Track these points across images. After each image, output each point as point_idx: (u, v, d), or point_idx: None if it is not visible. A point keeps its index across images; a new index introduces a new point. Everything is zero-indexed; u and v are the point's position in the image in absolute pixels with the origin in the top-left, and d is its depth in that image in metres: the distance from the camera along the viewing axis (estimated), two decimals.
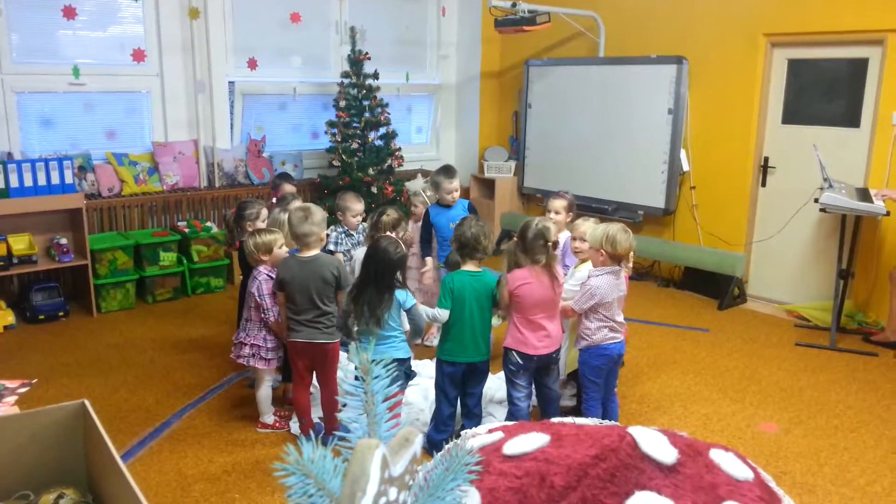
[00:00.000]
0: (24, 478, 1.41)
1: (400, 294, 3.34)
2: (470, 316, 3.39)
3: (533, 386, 3.57)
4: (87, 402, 1.45)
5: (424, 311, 3.47)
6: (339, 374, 3.76)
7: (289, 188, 4.87)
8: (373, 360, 0.92)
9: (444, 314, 3.40)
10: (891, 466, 3.55)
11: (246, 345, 3.69)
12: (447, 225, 4.57)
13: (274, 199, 4.67)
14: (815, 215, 5.52)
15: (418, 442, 0.79)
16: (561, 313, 3.54)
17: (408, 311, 3.38)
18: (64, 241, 5.37)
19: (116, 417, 3.88)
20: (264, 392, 3.79)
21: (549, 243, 3.36)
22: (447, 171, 4.76)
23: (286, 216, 3.90)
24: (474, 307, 3.39)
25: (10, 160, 5.19)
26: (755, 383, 4.47)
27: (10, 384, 1.90)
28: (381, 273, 3.31)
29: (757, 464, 1.83)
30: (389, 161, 6.70)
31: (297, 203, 4.42)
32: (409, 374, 3.51)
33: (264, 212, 4.20)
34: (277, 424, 3.81)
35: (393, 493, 0.74)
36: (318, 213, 3.49)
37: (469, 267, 3.44)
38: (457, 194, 4.71)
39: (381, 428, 0.85)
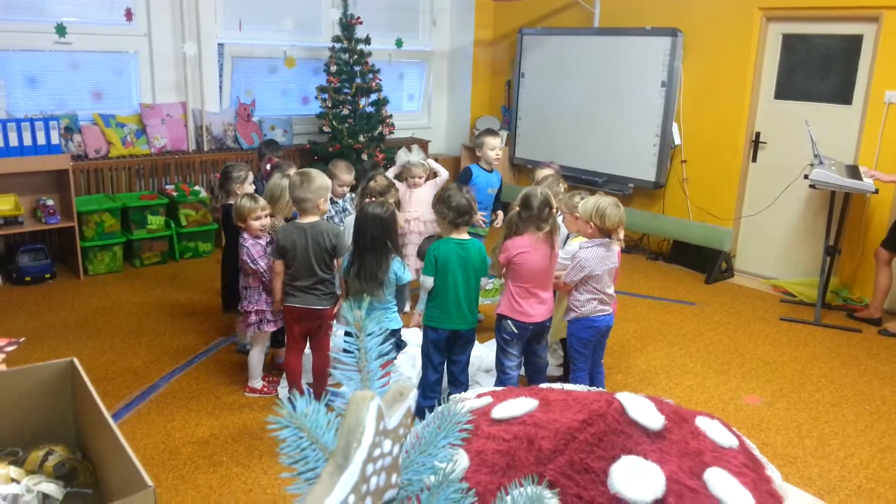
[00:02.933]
0: (12, 435, 1.41)
1: (397, 266, 3.34)
2: (454, 284, 3.39)
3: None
4: (75, 361, 1.44)
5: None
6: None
7: (275, 160, 4.83)
8: (366, 318, 0.92)
9: (427, 281, 3.40)
10: (869, 440, 3.61)
11: (251, 312, 3.68)
12: (486, 189, 4.61)
13: (269, 167, 4.63)
14: (805, 191, 5.54)
15: (412, 396, 0.79)
16: (554, 285, 3.55)
17: (401, 286, 3.38)
18: (50, 202, 5.31)
19: (104, 380, 3.88)
20: (256, 356, 3.80)
21: (554, 210, 3.38)
22: (490, 131, 4.91)
23: (283, 182, 3.87)
24: (459, 275, 3.39)
25: None
26: (740, 356, 4.52)
27: None
28: (376, 237, 3.30)
29: None
30: (380, 128, 6.65)
31: (293, 170, 4.38)
32: (399, 345, 3.51)
33: (251, 175, 4.16)
34: (265, 389, 3.82)
35: (387, 445, 0.74)
36: (318, 180, 3.43)
37: (457, 235, 3.44)
38: (500, 154, 4.79)
39: (373, 385, 0.86)
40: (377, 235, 3.31)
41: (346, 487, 0.67)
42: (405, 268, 3.39)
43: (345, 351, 0.92)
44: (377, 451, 0.72)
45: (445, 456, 0.88)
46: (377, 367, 0.88)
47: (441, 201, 3.45)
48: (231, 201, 3.97)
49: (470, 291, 3.44)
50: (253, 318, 3.68)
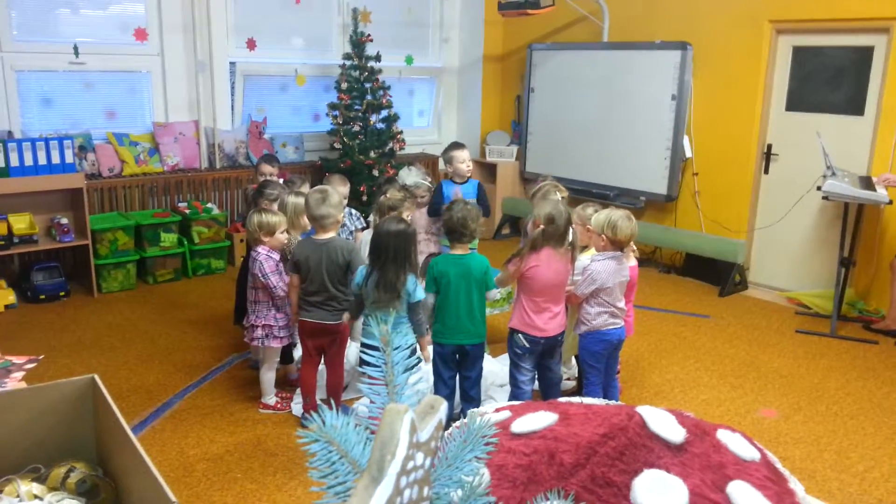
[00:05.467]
0: (34, 452, 1.42)
1: (410, 282, 3.34)
2: (455, 299, 3.38)
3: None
4: (96, 377, 1.45)
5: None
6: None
7: (267, 168, 4.77)
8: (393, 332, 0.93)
9: (428, 298, 3.40)
10: (889, 453, 3.57)
11: (258, 327, 3.68)
12: None
13: (282, 181, 4.64)
14: (818, 203, 5.52)
15: (443, 409, 0.79)
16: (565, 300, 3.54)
17: (413, 304, 3.36)
18: (65, 220, 5.35)
19: (118, 397, 3.89)
20: (267, 373, 3.80)
21: (572, 225, 3.39)
22: (456, 144, 4.94)
23: (291, 199, 3.90)
24: (460, 290, 3.38)
25: (11, 139, 5.16)
26: (755, 370, 4.49)
27: (17, 360, 1.90)
28: (398, 251, 3.29)
29: None
30: (391, 144, 6.68)
31: (305, 187, 4.40)
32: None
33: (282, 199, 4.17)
34: (279, 405, 3.82)
35: (420, 457, 0.74)
36: (336, 196, 3.49)
37: (456, 250, 3.44)
38: (471, 165, 4.82)
39: (400, 398, 0.85)
40: (399, 250, 3.30)
41: (381, 500, 0.67)
42: (418, 285, 3.38)
43: (363, 363, 0.92)
44: (410, 464, 0.72)
45: (472, 470, 0.88)
46: (404, 380, 0.88)
47: (441, 219, 3.48)
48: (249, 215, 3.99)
49: (472, 306, 3.42)
50: (259, 332, 3.69)
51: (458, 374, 3.57)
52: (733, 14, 5.92)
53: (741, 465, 1.58)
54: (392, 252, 3.27)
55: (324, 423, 0.77)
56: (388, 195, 4.16)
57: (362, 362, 3.50)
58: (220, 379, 4.16)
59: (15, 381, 1.79)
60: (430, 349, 3.52)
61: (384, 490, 0.68)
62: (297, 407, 3.80)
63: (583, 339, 3.54)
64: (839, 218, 5.19)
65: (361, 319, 3.61)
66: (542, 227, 3.34)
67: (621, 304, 3.51)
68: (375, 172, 6.41)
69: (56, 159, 5.18)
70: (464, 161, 4.77)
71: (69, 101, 5.78)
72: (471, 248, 3.52)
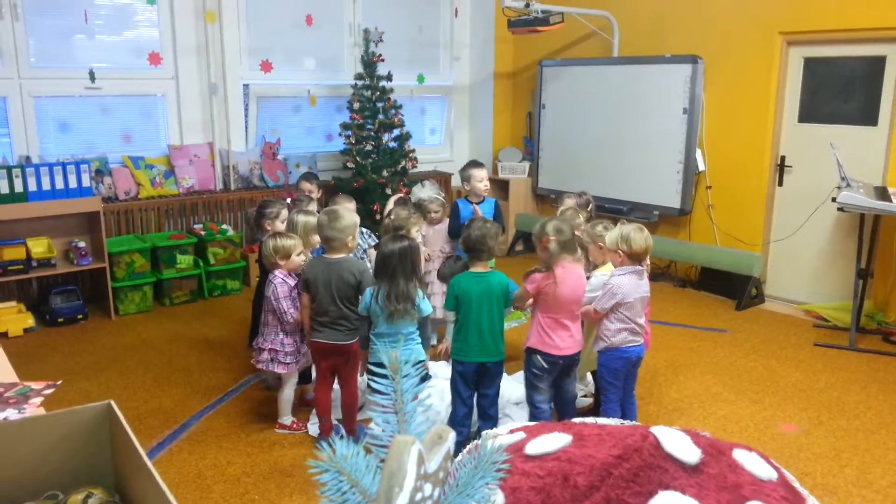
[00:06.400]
0: (52, 478, 1.43)
1: (417, 297, 3.35)
2: (478, 317, 3.39)
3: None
4: (112, 403, 1.46)
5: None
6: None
7: (306, 185, 4.90)
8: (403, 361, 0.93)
9: (449, 315, 3.42)
10: None
11: (264, 350, 3.70)
12: None
13: (288, 199, 4.69)
14: (833, 214, 5.48)
15: (451, 439, 0.80)
16: (583, 316, 3.52)
17: (421, 319, 3.39)
18: (82, 244, 5.41)
19: (135, 419, 3.91)
20: (286, 394, 3.80)
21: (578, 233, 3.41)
22: (474, 162, 4.91)
23: (300, 218, 3.93)
24: (482, 308, 3.39)
25: (29, 164, 5.24)
26: (774, 384, 4.44)
27: (35, 385, 1.92)
28: (403, 262, 3.31)
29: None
30: (403, 162, 6.71)
31: (313, 206, 4.44)
32: (424, 377, 3.49)
33: (284, 212, 4.21)
34: (295, 426, 3.82)
35: (428, 489, 0.75)
36: (346, 219, 3.49)
37: (476, 268, 3.45)
38: (488, 184, 4.80)
39: (410, 426, 0.86)
40: (405, 262, 3.31)
41: None
42: (425, 299, 3.40)
43: (371, 388, 0.92)
44: (418, 496, 0.72)
45: (483, 497, 0.88)
46: (414, 408, 0.89)
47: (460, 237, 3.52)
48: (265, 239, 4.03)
49: (494, 324, 3.43)
50: (265, 355, 3.70)
51: (475, 393, 3.57)
52: (744, 27, 5.92)
53: (758, 485, 1.57)
54: (399, 266, 3.29)
55: (334, 452, 0.78)
56: (391, 217, 4.18)
57: (372, 389, 3.53)
58: (236, 400, 4.18)
59: (33, 407, 1.80)
60: (443, 346, 3.53)
61: None
62: (313, 427, 3.80)
63: (602, 356, 3.52)
64: (855, 229, 5.15)
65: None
66: (552, 240, 3.34)
67: (641, 321, 3.48)
68: (388, 191, 6.44)
69: (73, 183, 5.25)
70: (481, 180, 4.78)
71: (86, 125, 5.86)
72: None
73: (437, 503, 0.78)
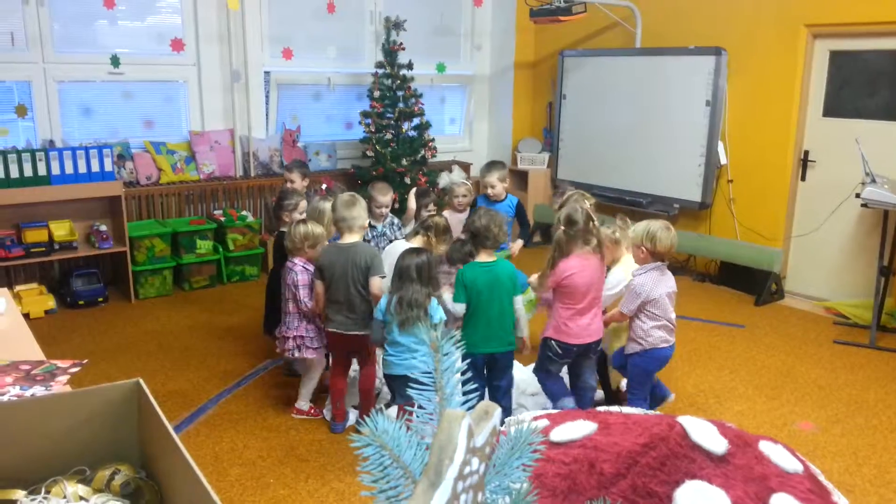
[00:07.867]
0: (80, 454, 1.44)
1: (432, 305, 3.34)
2: (487, 307, 3.37)
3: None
4: (141, 381, 1.47)
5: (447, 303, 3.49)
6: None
7: (288, 176, 4.73)
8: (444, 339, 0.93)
9: (459, 308, 3.40)
10: None
11: (289, 338, 3.72)
12: None
13: (324, 186, 4.65)
14: (857, 210, 5.41)
15: (497, 415, 0.80)
16: (610, 320, 3.51)
17: (434, 326, 3.38)
18: (104, 227, 5.45)
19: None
20: (310, 382, 3.82)
21: (596, 223, 3.37)
22: (492, 163, 4.76)
23: (327, 205, 3.91)
24: (493, 298, 3.38)
25: (52, 147, 5.29)
26: (792, 381, 4.41)
27: (62, 364, 1.94)
28: (420, 273, 3.31)
29: None
30: (423, 152, 6.71)
31: (297, 198, 4.38)
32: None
33: (303, 203, 4.21)
34: (312, 411, 3.84)
35: (475, 462, 0.75)
36: (363, 202, 3.60)
37: (482, 258, 3.43)
38: (497, 186, 4.64)
39: (450, 405, 0.86)
40: (421, 273, 3.31)
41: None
42: (439, 308, 3.39)
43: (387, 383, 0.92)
44: (467, 469, 0.72)
45: (519, 477, 0.88)
46: (454, 386, 0.89)
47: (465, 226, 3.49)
48: (283, 228, 4.03)
49: (503, 313, 3.41)
50: (290, 343, 3.71)
51: (486, 385, 3.56)
52: (768, 19, 5.85)
53: (784, 478, 1.56)
54: (415, 276, 3.29)
55: (376, 427, 0.79)
56: (435, 221, 4.00)
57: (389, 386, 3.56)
58: (253, 384, 4.20)
59: (60, 385, 1.82)
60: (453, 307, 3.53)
61: (442, 494, 0.69)
62: (329, 413, 3.82)
63: (637, 358, 3.46)
64: (878, 226, 5.09)
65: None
66: (562, 228, 3.33)
67: (673, 316, 3.43)
68: (407, 180, 6.44)
69: (95, 168, 5.28)
70: (503, 180, 4.65)
71: (108, 110, 5.90)
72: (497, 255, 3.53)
73: (482, 478, 0.78)
